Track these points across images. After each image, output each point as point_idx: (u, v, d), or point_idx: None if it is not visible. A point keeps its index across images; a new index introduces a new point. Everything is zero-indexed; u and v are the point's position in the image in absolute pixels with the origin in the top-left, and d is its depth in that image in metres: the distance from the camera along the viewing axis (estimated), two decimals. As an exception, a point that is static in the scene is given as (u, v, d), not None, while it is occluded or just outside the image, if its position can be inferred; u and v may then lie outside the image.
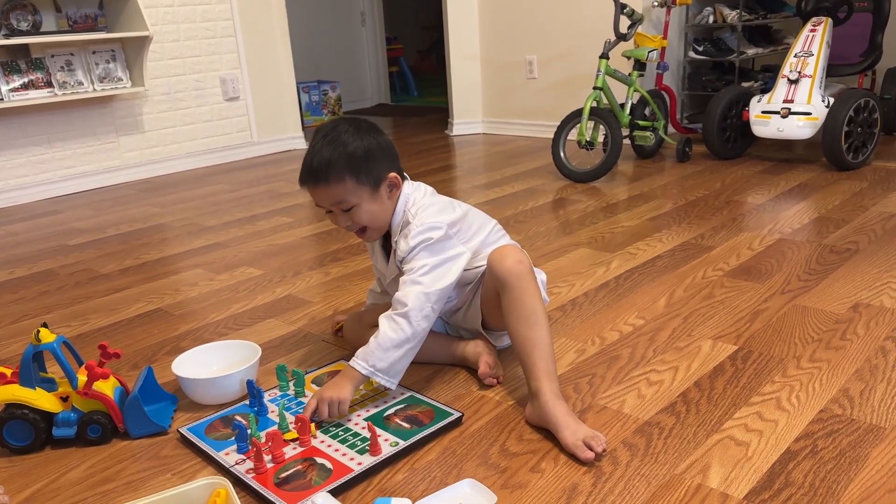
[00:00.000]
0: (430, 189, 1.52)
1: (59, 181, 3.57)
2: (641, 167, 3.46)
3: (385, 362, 1.35)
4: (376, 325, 1.40)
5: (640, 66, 3.37)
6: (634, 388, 1.44)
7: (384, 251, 1.54)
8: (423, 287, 1.37)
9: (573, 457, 1.22)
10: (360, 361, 1.36)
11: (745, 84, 3.91)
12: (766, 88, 3.45)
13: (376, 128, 1.46)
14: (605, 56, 3.21)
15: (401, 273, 1.43)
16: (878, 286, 1.87)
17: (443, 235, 1.42)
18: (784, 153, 3.54)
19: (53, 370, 1.49)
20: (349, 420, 1.35)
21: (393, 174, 1.43)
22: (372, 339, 1.37)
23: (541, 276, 1.56)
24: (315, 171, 1.38)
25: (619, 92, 3.47)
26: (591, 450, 1.20)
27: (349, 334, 1.65)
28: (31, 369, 1.33)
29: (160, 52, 3.78)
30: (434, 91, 6.94)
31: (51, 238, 2.83)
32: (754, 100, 3.28)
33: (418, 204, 1.45)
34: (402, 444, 1.26)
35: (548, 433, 1.29)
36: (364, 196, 1.40)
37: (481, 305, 1.52)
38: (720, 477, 1.15)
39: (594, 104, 3.15)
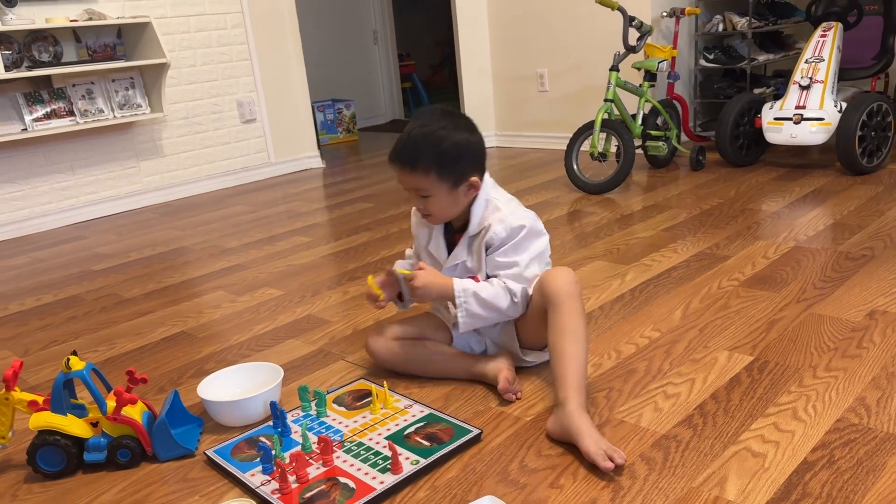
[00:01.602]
0: (504, 190, 1.60)
1: (82, 207, 3.65)
2: (655, 177, 3.47)
3: (475, 306, 1.50)
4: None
5: (650, 76, 3.39)
6: (651, 402, 1.46)
7: (446, 241, 1.61)
8: (527, 287, 1.50)
9: (592, 470, 1.24)
10: (462, 293, 1.49)
11: (757, 90, 3.91)
12: (779, 94, 3.45)
13: (472, 126, 1.53)
14: (615, 68, 3.23)
15: (467, 260, 1.54)
16: (895, 293, 1.87)
17: (535, 228, 1.52)
18: (798, 159, 3.54)
19: (83, 396, 1.54)
20: (370, 439, 1.38)
21: (474, 178, 1.51)
22: (486, 289, 1.49)
23: None
24: (404, 157, 1.47)
25: (631, 103, 3.49)
26: (612, 461, 1.22)
27: (371, 345, 1.67)
28: (63, 396, 1.38)
29: (178, 78, 3.86)
30: (448, 105, 6.98)
31: (76, 264, 2.89)
32: (766, 106, 3.29)
33: (503, 196, 1.56)
34: (423, 462, 1.29)
35: (566, 448, 1.31)
36: (442, 191, 1.49)
37: (518, 321, 1.58)
38: (737, 489, 1.16)
39: (606, 116, 3.18)
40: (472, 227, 1.54)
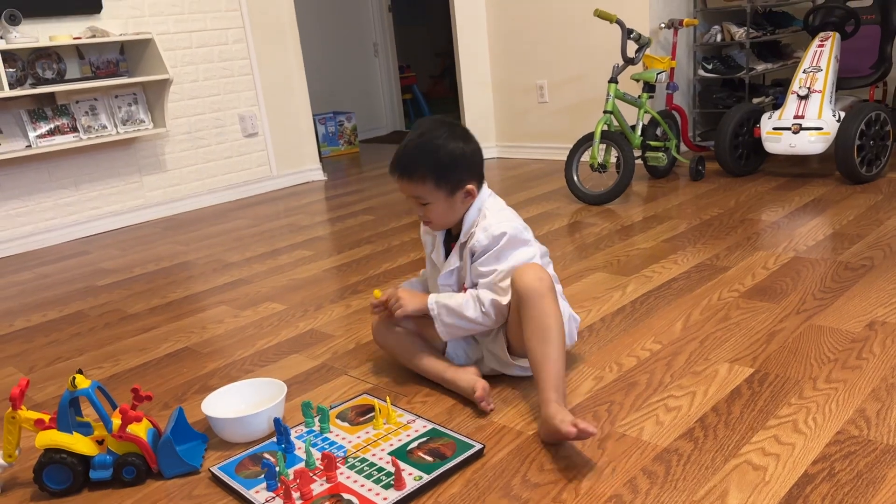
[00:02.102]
0: (500, 199, 1.65)
1: (86, 222, 3.67)
2: (655, 187, 3.49)
3: (450, 320, 1.57)
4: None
5: (649, 88, 3.41)
6: (653, 415, 1.47)
7: (445, 247, 1.67)
8: (500, 298, 1.53)
9: (595, 485, 1.24)
10: (434, 299, 1.58)
11: (756, 100, 3.93)
12: (778, 104, 3.47)
13: (469, 136, 1.59)
14: (613, 80, 3.26)
15: (459, 266, 1.60)
16: (895, 303, 1.88)
17: (517, 236, 1.55)
18: (798, 168, 3.55)
19: (89, 413, 1.55)
20: (373, 455, 1.39)
21: (471, 185, 1.56)
22: (455, 299, 1.56)
23: (576, 318, 1.69)
24: (402, 166, 1.54)
25: (631, 114, 3.51)
26: (576, 427, 1.26)
27: (378, 336, 1.75)
28: (68, 414, 1.39)
29: (180, 93, 3.89)
30: (448, 116, 7.02)
31: (80, 279, 2.91)
32: (765, 116, 3.31)
33: (495, 205, 1.60)
34: (426, 477, 1.30)
35: (569, 463, 1.32)
36: (440, 198, 1.55)
37: (507, 329, 1.58)
38: (739, 502, 1.17)
39: (605, 127, 3.19)
40: (463, 235, 1.59)
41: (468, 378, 1.58)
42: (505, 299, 1.52)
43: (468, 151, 1.55)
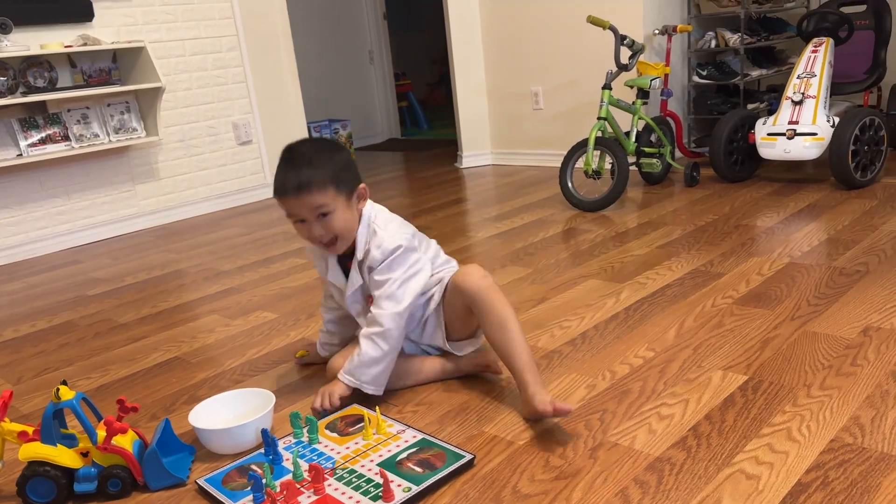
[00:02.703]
0: (384, 208, 1.68)
1: (78, 231, 3.65)
2: (650, 193, 3.48)
3: (369, 376, 1.57)
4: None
5: (643, 94, 3.41)
6: (645, 423, 1.45)
7: (341, 267, 1.67)
8: (396, 306, 1.56)
9: (586, 495, 1.23)
10: (347, 376, 1.57)
11: (751, 105, 3.92)
12: (773, 109, 3.47)
13: (339, 145, 1.66)
14: (607, 87, 3.25)
15: (363, 283, 1.62)
16: (889, 308, 1.86)
17: (410, 246, 1.59)
18: (793, 173, 3.55)
19: (73, 425, 1.53)
20: (362, 466, 1.37)
21: (363, 186, 1.60)
22: (355, 356, 1.57)
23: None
24: (298, 183, 1.50)
25: (625, 120, 3.50)
26: (553, 406, 1.39)
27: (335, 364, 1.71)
28: (52, 426, 1.37)
29: (173, 101, 3.88)
30: (444, 123, 7.01)
31: (70, 289, 2.89)
32: (760, 122, 3.30)
33: (382, 217, 1.63)
34: (415, 489, 1.28)
35: (560, 473, 1.30)
36: (340, 204, 1.55)
37: (446, 319, 1.66)
38: (731, 513, 1.15)
39: (599, 134, 3.19)
40: (359, 252, 1.61)
41: (474, 361, 1.70)
42: (402, 305, 1.57)
43: (347, 156, 1.59)
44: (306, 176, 1.50)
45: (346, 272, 1.66)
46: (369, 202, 1.64)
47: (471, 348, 1.71)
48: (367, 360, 1.56)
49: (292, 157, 1.54)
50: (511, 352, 1.52)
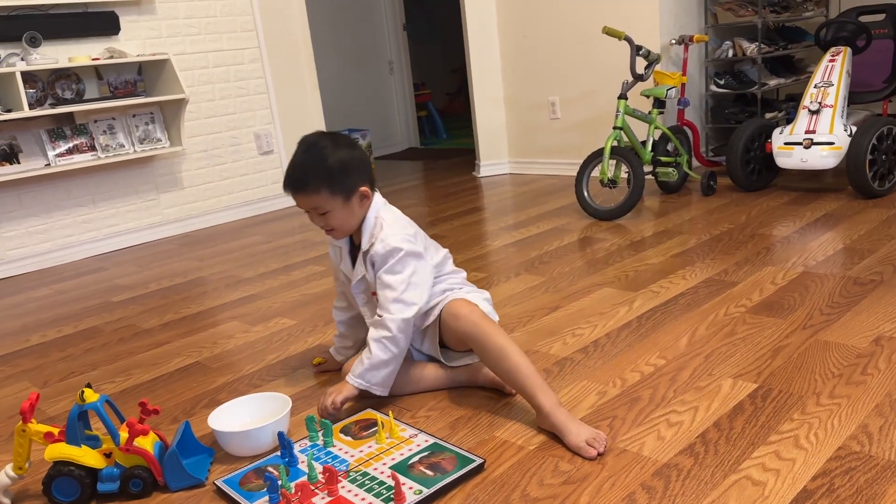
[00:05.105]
0: (394, 207, 1.72)
1: (103, 239, 3.74)
2: (667, 202, 3.49)
3: (378, 378, 1.61)
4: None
5: (659, 103, 3.42)
6: (654, 430, 1.47)
7: (351, 256, 1.73)
8: (403, 311, 1.59)
9: (593, 499, 1.25)
10: (357, 379, 1.60)
11: (769, 115, 3.92)
12: (791, 118, 3.47)
13: (352, 143, 1.66)
14: (623, 96, 3.27)
15: (367, 275, 1.65)
16: (902, 318, 1.87)
17: (412, 251, 1.61)
18: (811, 183, 3.54)
19: (97, 426, 1.58)
20: (375, 469, 1.40)
21: (364, 188, 1.63)
22: (364, 357, 1.60)
23: (483, 294, 1.76)
24: (294, 181, 1.59)
25: (642, 130, 3.52)
26: (594, 448, 1.37)
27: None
28: (77, 428, 1.42)
29: (196, 112, 3.96)
30: (463, 132, 7.06)
31: (96, 295, 2.96)
32: (777, 131, 3.30)
33: (389, 215, 1.66)
34: (426, 492, 1.31)
35: (568, 478, 1.33)
36: (337, 205, 1.61)
37: (442, 331, 1.68)
38: (736, 518, 1.17)
39: (615, 143, 3.21)
40: (364, 244, 1.66)
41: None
42: (410, 311, 1.59)
43: (355, 157, 1.62)
44: (302, 178, 1.58)
45: (355, 262, 1.71)
46: (379, 199, 1.68)
47: (468, 360, 1.73)
48: (376, 363, 1.59)
49: (296, 157, 1.61)
50: (517, 377, 1.52)
